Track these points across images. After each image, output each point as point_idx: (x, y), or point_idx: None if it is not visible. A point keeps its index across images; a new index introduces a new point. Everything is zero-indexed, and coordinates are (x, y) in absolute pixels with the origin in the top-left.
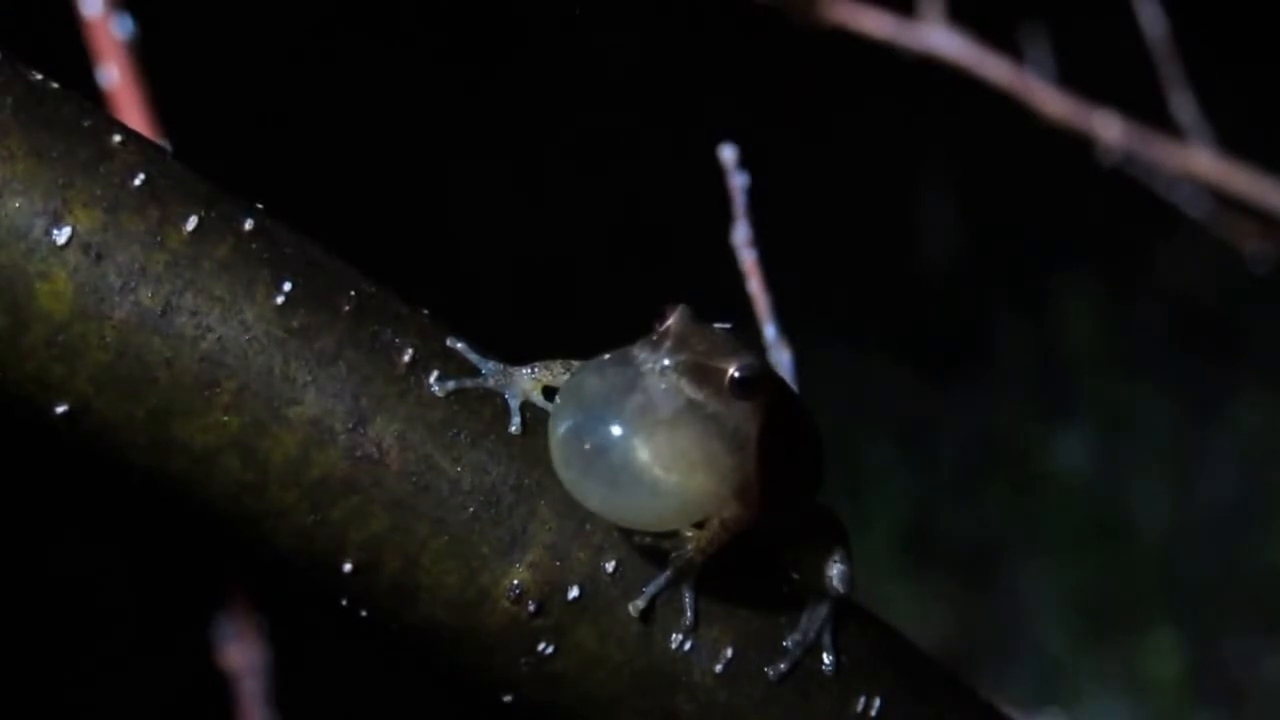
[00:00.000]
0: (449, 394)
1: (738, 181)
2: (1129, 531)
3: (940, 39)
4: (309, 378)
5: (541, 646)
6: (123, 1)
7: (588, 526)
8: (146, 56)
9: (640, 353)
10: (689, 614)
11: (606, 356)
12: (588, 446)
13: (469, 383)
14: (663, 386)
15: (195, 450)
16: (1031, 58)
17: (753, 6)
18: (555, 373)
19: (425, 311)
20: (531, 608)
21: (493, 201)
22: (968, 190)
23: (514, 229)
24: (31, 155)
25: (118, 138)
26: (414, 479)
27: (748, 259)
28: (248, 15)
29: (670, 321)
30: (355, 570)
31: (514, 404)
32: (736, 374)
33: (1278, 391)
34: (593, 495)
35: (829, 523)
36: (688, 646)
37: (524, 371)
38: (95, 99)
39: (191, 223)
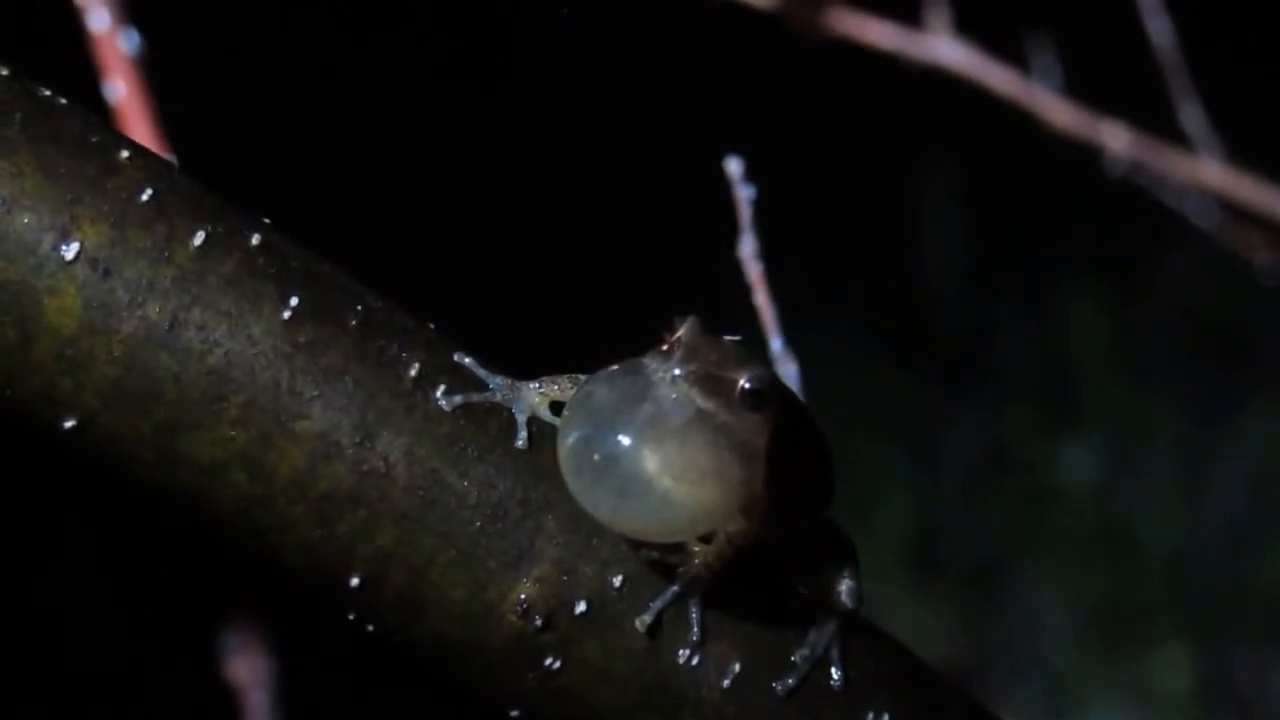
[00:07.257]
0: (455, 408)
1: (744, 194)
2: (1137, 544)
3: (946, 49)
4: (315, 392)
5: (548, 661)
6: (129, 15)
7: (594, 541)
8: (153, 70)
9: (651, 363)
10: (696, 629)
11: (616, 367)
12: (597, 456)
13: (475, 397)
14: (673, 396)
15: (202, 464)
16: (1038, 68)
17: (757, 18)
18: (562, 387)
19: (432, 326)
20: (538, 622)
21: (498, 216)
22: (974, 201)
23: (520, 243)
24: (39, 171)
25: (125, 153)
26: (421, 493)
27: (754, 272)
28: (254, 29)
29: (681, 332)
30: (362, 584)
31: (520, 419)
32: (747, 385)
33: None
34: (602, 505)
35: (838, 538)
36: (695, 661)
37: (531, 386)
38: (102, 113)
39: (199, 238)
